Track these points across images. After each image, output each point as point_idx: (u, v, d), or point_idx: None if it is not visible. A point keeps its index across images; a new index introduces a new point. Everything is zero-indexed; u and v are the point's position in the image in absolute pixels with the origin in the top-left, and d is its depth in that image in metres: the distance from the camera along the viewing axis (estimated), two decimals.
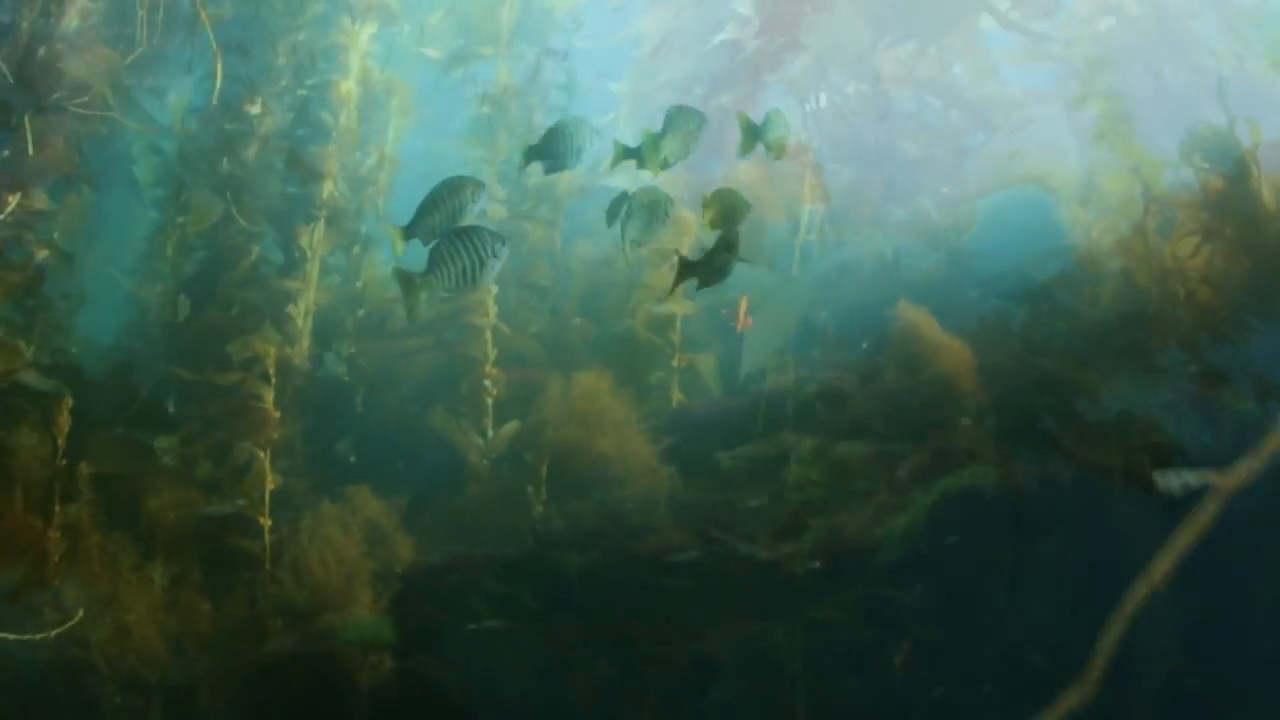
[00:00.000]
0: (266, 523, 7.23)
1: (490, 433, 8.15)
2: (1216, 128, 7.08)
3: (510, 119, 9.00)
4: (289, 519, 7.28)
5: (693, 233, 8.08)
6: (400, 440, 8.38)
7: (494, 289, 8.25)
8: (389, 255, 8.93)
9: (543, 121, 9.15)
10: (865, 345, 8.16)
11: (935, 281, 9.34)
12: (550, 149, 5.04)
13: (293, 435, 7.81)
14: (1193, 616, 6.36)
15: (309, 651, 6.79)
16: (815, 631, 6.81)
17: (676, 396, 8.44)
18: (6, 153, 7.63)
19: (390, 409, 8.59)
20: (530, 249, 8.95)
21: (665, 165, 5.03)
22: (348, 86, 8.64)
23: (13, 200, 7.56)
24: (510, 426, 8.10)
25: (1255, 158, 6.95)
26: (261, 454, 7.32)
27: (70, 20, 7.99)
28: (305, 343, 8.14)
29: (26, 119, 7.74)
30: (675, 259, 5.11)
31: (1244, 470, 6.27)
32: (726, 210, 5.01)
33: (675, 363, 8.51)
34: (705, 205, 5.00)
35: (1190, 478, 6.29)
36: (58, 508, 6.89)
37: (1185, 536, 6.11)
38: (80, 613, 6.72)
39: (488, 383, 8.22)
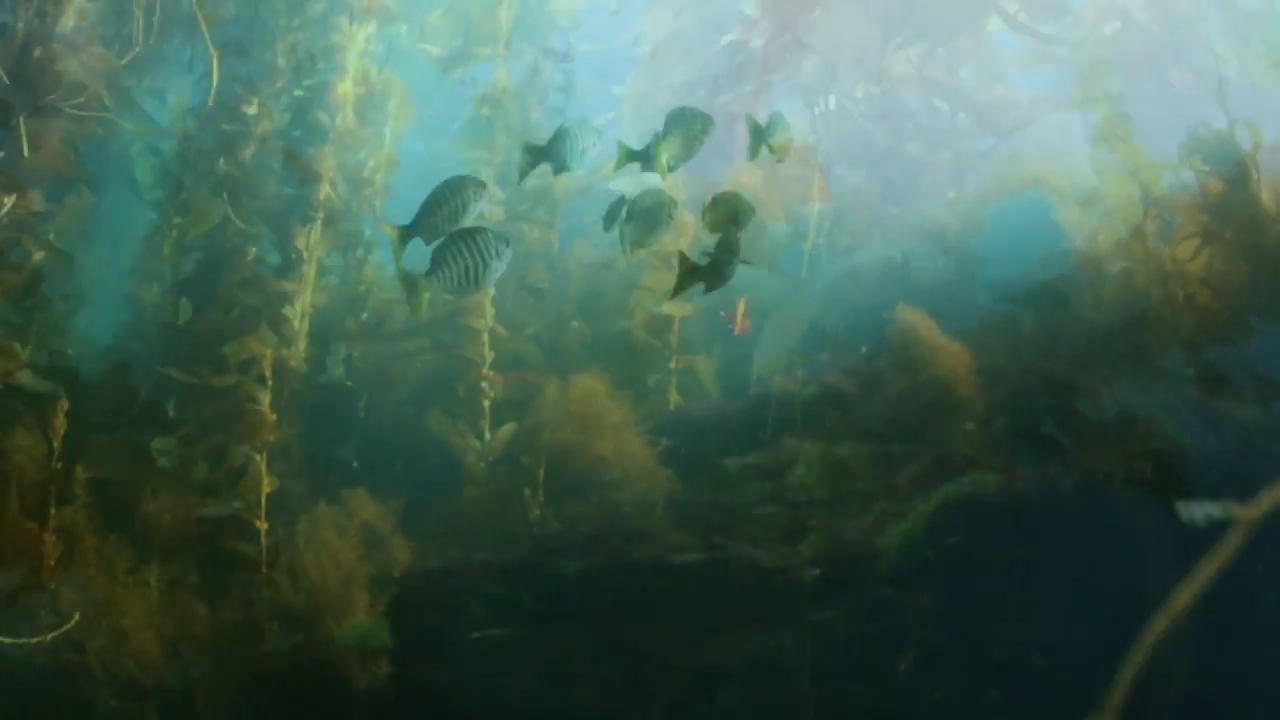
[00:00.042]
0: (263, 526, 7.21)
1: (487, 435, 8.13)
2: (1216, 130, 7.05)
3: (509, 120, 8.96)
4: (286, 522, 7.26)
5: (690, 234, 8.06)
6: (397, 442, 8.36)
7: (491, 291, 8.22)
8: (388, 256, 8.94)
9: (541, 121, 9.14)
10: (864, 349, 8.12)
11: (944, 285, 9.32)
12: (554, 151, 5.03)
13: (289, 438, 7.78)
14: (1214, 648, 6.29)
15: (305, 656, 6.77)
16: (816, 637, 6.78)
17: (674, 399, 8.41)
18: (2, 154, 7.60)
19: (387, 411, 8.56)
20: (528, 250, 8.92)
21: (670, 168, 5.00)
22: (345, 87, 8.61)
23: (8, 201, 7.54)
24: (507, 429, 8.07)
25: (1255, 161, 6.92)
26: (258, 457, 7.30)
27: (66, 21, 7.96)
28: (302, 345, 8.11)
29: (22, 120, 7.72)
30: (677, 261, 5.06)
31: (1267, 501, 6.21)
32: (731, 214, 4.98)
33: (673, 365, 8.48)
34: (709, 208, 4.97)
35: (1213, 509, 6.22)
36: (53, 510, 6.87)
37: (1208, 569, 6.05)
38: (76, 616, 6.71)
39: (485, 385, 8.19)
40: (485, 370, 8.21)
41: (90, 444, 7.32)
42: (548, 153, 5.02)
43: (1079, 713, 6.01)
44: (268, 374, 7.49)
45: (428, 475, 8.12)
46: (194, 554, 7.24)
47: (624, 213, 5.03)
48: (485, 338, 8.24)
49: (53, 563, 6.83)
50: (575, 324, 8.76)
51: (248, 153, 8.52)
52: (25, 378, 7.31)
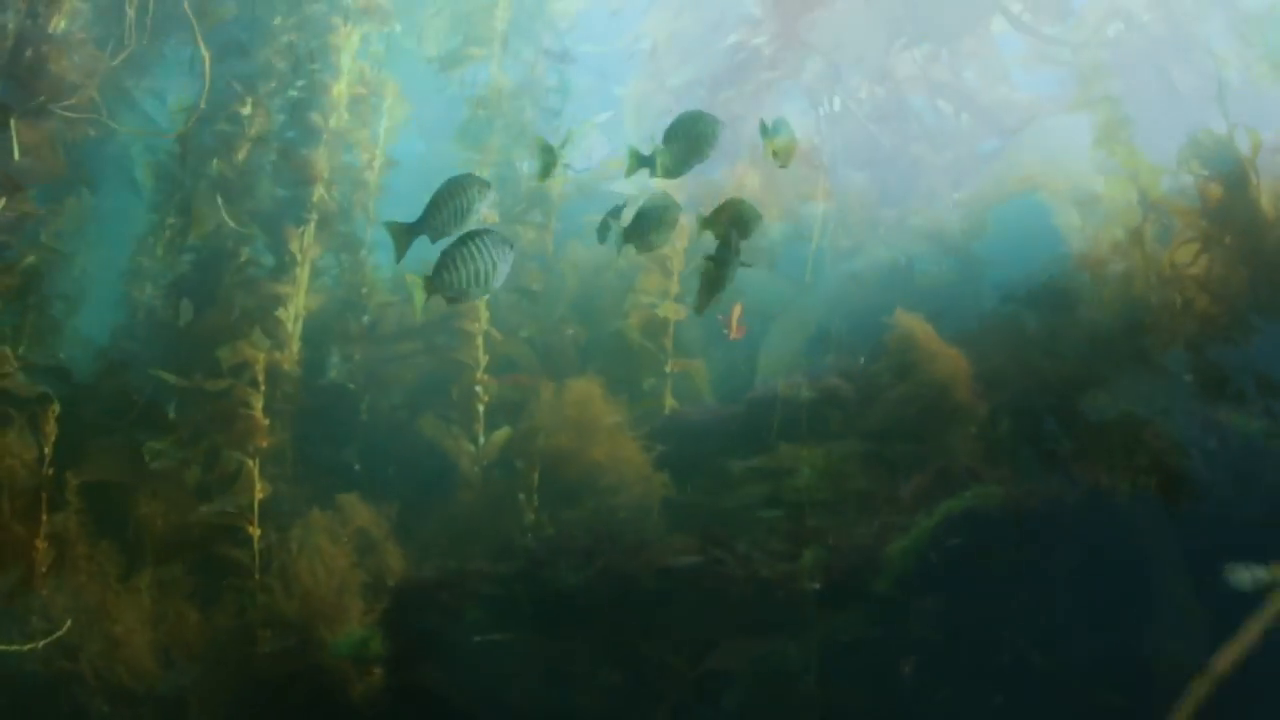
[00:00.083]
0: (255, 532, 7.17)
1: (481, 439, 8.08)
2: (1215, 134, 6.99)
3: (505, 120, 8.91)
4: (279, 527, 7.23)
5: (687, 238, 8.02)
6: (391, 446, 8.32)
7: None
8: (384, 258, 8.90)
9: (534, 120, 9.09)
10: (863, 354, 8.08)
11: (948, 287, 9.28)
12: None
13: (283, 442, 7.74)
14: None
15: (299, 663, 6.74)
16: (816, 648, 6.74)
17: (670, 403, 8.36)
18: None
19: (381, 414, 8.52)
20: (523, 252, 8.86)
21: (679, 172, 4.95)
22: (340, 88, 8.54)
23: (1, 203, 7.49)
24: (501, 433, 8.04)
25: (1254, 165, 6.86)
26: (250, 462, 7.26)
27: (59, 21, 7.90)
28: (295, 348, 8.05)
29: (13, 121, 7.66)
30: (704, 268, 4.99)
31: None
32: (737, 220, 4.94)
33: (669, 369, 8.43)
34: (714, 215, 4.92)
35: (1261, 573, 6.19)
36: (45, 516, 6.84)
37: (1252, 631, 6.00)
38: (68, 623, 6.68)
39: (479, 388, 8.15)
40: (480, 374, 8.16)
41: (85, 447, 7.29)
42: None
43: None
44: (260, 378, 7.44)
45: (422, 479, 8.09)
46: (187, 559, 7.21)
47: (620, 220, 4.99)
48: (479, 341, 8.19)
49: (44, 569, 6.81)
50: (570, 332, 8.71)
51: (242, 153, 8.47)
52: (15, 382, 7.26)
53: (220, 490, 7.36)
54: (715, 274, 4.91)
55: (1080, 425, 7.31)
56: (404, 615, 6.82)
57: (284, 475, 7.68)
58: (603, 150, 10.27)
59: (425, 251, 4.86)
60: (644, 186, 6.16)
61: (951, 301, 8.82)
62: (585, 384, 7.79)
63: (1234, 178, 6.89)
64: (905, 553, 6.63)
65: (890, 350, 7.72)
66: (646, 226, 4.95)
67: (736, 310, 7.49)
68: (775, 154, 5.15)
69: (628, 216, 5.05)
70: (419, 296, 4.46)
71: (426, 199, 4.63)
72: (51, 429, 6.83)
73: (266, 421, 7.33)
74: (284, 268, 8.32)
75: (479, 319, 8.18)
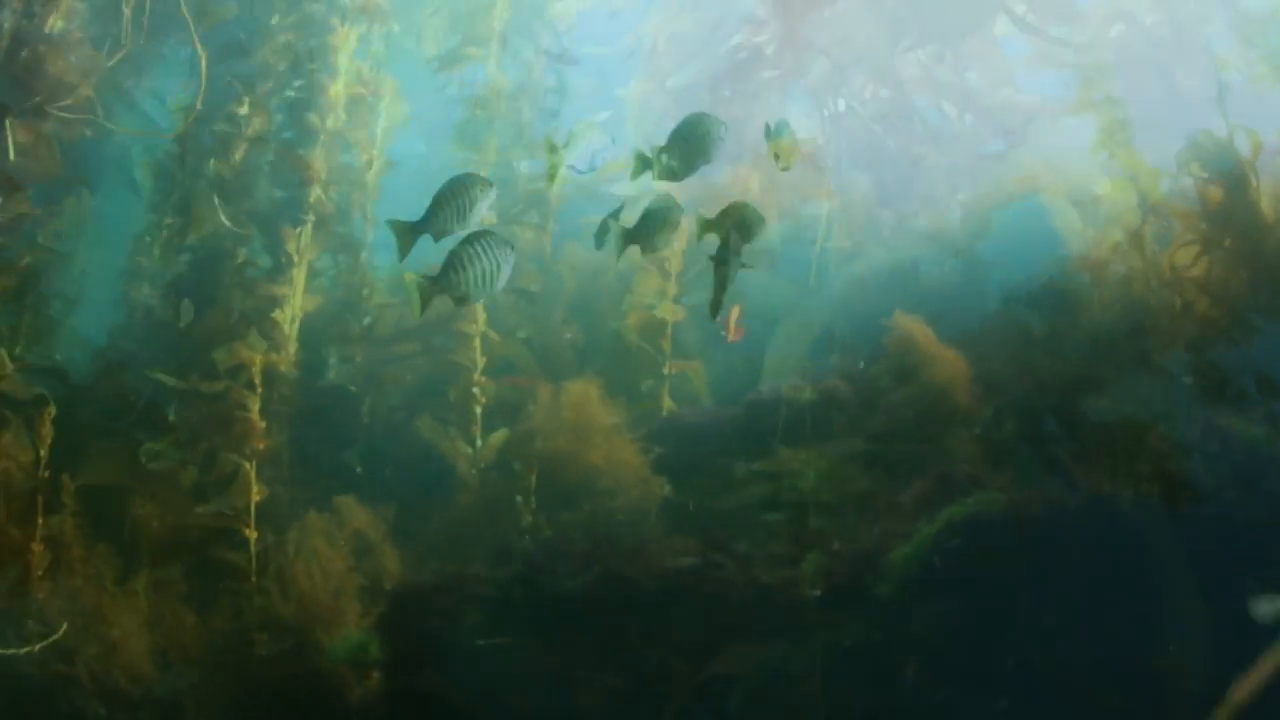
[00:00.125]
0: (252, 534, 7.15)
1: (479, 441, 8.05)
2: (1215, 136, 6.97)
3: (503, 121, 8.88)
4: (276, 530, 7.20)
5: (685, 238, 7.99)
6: (388, 448, 8.30)
7: None
8: (383, 259, 8.88)
9: (532, 121, 9.07)
10: (862, 358, 8.06)
11: (952, 289, 9.26)
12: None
13: (280, 444, 7.71)
14: None
15: (295, 666, 6.72)
16: (819, 652, 6.71)
17: (668, 405, 8.33)
18: None
19: (378, 416, 8.50)
20: (520, 253, 8.81)
21: (684, 175, 4.94)
22: (337, 88, 8.52)
23: None
24: (499, 435, 8.01)
25: (1254, 167, 6.84)
26: (247, 464, 7.23)
27: (55, 21, 7.88)
28: (292, 349, 8.02)
29: (9, 122, 7.63)
30: (715, 267, 4.96)
31: None
32: (740, 224, 4.92)
33: (667, 370, 8.41)
34: (719, 218, 4.90)
35: None
36: (41, 519, 6.81)
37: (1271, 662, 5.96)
38: (64, 626, 6.66)
39: (476, 390, 8.12)
40: (477, 375, 8.13)
41: (82, 449, 7.27)
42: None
43: None
44: (257, 380, 7.42)
45: (419, 482, 8.06)
46: (184, 562, 7.19)
47: (619, 223, 4.97)
48: (477, 342, 8.16)
49: (41, 572, 6.78)
50: (568, 334, 8.68)
51: (239, 154, 8.44)
52: (12, 383, 7.23)
53: (217, 492, 7.33)
54: (723, 275, 4.90)
55: (1082, 428, 7.30)
56: (402, 619, 6.79)
57: (281, 477, 7.66)
58: (608, 152, 10.24)
59: (425, 252, 4.85)
60: (644, 188, 6.13)
61: (956, 303, 8.80)
62: (583, 386, 7.76)
63: (1234, 180, 6.87)
64: (908, 558, 6.61)
65: (890, 353, 7.70)
66: (651, 228, 4.94)
67: (734, 312, 7.47)
68: (777, 156, 5.14)
69: (626, 219, 5.03)
70: (418, 297, 4.44)
71: (425, 199, 4.62)
72: (48, 431, 6.81)
73: (263, 423, 7.31)
74: (281, 269, 8.29)
75: (477, 320, 8.15)
